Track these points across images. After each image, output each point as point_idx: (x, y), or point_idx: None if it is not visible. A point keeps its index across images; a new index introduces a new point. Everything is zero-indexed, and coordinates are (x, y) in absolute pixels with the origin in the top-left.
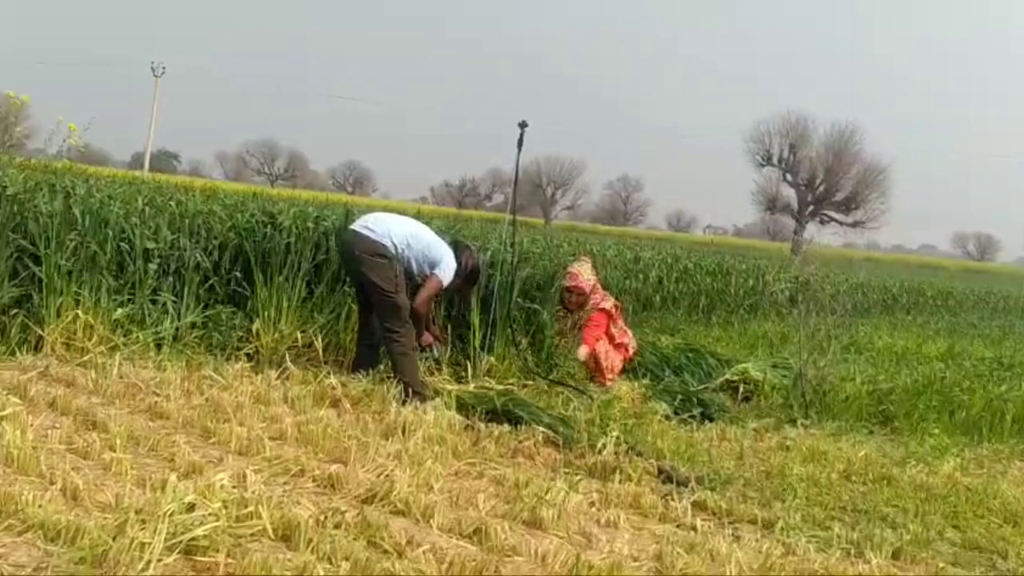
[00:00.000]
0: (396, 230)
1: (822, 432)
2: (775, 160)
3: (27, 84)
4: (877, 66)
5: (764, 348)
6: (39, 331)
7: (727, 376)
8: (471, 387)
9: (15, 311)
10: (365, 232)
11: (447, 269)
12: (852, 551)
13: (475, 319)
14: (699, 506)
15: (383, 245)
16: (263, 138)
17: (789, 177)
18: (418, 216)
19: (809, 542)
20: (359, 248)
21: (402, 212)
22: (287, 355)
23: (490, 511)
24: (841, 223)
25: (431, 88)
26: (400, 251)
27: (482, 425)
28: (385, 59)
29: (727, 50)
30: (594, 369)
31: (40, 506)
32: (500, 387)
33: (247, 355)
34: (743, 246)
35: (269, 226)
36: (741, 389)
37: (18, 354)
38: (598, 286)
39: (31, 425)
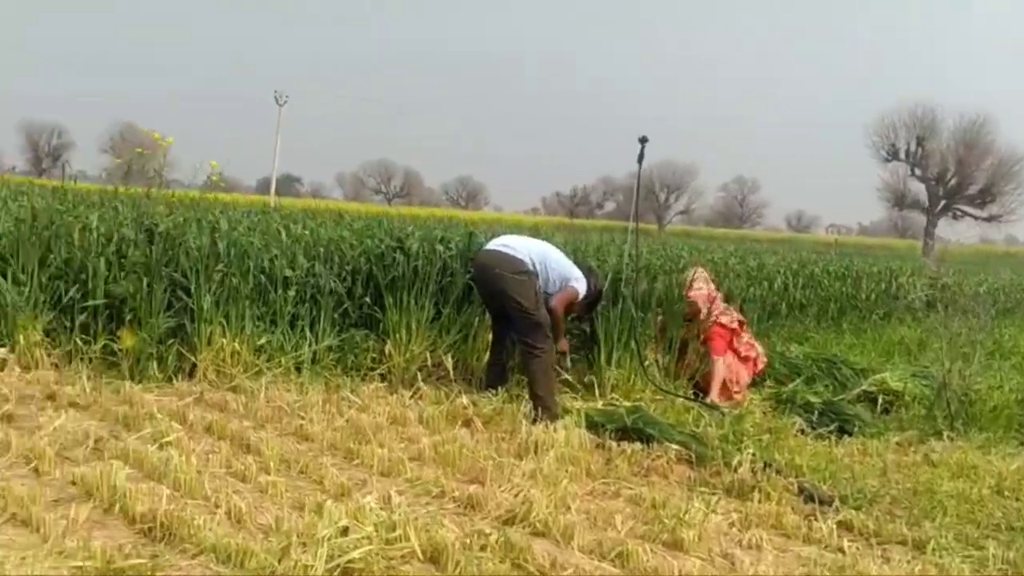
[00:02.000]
0: (533, 248)
1: (969, 445)
2: (901, 154)
3: (162, 119)
4: (1008, 51)
5: (901, 355)
6: (192, 359)
7: (864, 387)
8: (599, 404)
9: (171, 340)
10: (505, 250)
11: (582, 282)
12: (1009, 571)
13: (600, 334)
14: (844, 526)
15: (523, 262)
16: (379, 158)
17: (917, 171)
18: (536, 232)
19: (963, 563)
20: (500, 267)
21: (517, 225)
22: (418, 375)
23: (629, 532)
24: (976, 218)
25: (536, 102)
26: (538, 268)
27: (613, 443)
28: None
29: (844, 42)
30: (711, 386)
31: (210, 529)
32: (628, 404)
33: (380, 375)
34: (870, 245)
35: (398, 251)
36: (880, 400)
37: (174, 381)
38: (717, 298)
39: (193, 450)
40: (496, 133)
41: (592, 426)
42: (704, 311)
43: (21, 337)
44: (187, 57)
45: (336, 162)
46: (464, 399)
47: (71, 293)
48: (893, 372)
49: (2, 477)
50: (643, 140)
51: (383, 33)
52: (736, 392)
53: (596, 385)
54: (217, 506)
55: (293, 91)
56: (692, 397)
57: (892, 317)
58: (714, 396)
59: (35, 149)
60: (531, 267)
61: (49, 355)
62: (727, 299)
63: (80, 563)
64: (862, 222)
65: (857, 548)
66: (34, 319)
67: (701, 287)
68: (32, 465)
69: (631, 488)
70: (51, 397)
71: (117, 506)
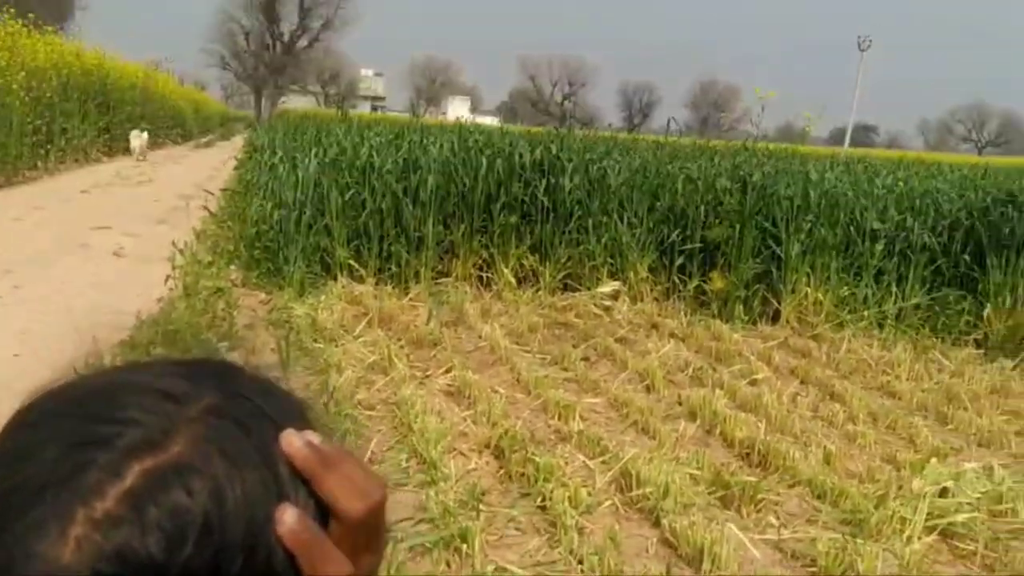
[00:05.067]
0: None
1: None
2: None
3: (740, 70)
4: None
5: None
6: (776, 304)
7: None
8: None
9: (757, 286)
10: None
11: None
12: None
13: None
14: None
15: None
16: (972, 102)
17: None
18: None
19: None
20: None
21: None
22: None
23: None
24: None
25: None
26: None
27: None
28: None
29: None
30: None
31: (804, 465)
32: None
33: (976, 341)
34: None
35: (1008, 205)
36: None
37: (758, 324)
38: None
39: (782, 390)
40: None
41: None
42: None
43: (631, 273)
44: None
45: (921, 108)
46: None
47: (672, 236)
48: None
49: (624, 390)
50: None
51: None
52: None
53: None
54: (807, 445)
55: (878, 34)
56: None
57: None
58: None
59: (629, 107)
60: None
61: (652, 290)
62: None
63: (693, 471)
64: None
65: None
66: (642, 258)
67: None
68: (644, 383)
69: None
70: (655, 327)
71: (718, 429)
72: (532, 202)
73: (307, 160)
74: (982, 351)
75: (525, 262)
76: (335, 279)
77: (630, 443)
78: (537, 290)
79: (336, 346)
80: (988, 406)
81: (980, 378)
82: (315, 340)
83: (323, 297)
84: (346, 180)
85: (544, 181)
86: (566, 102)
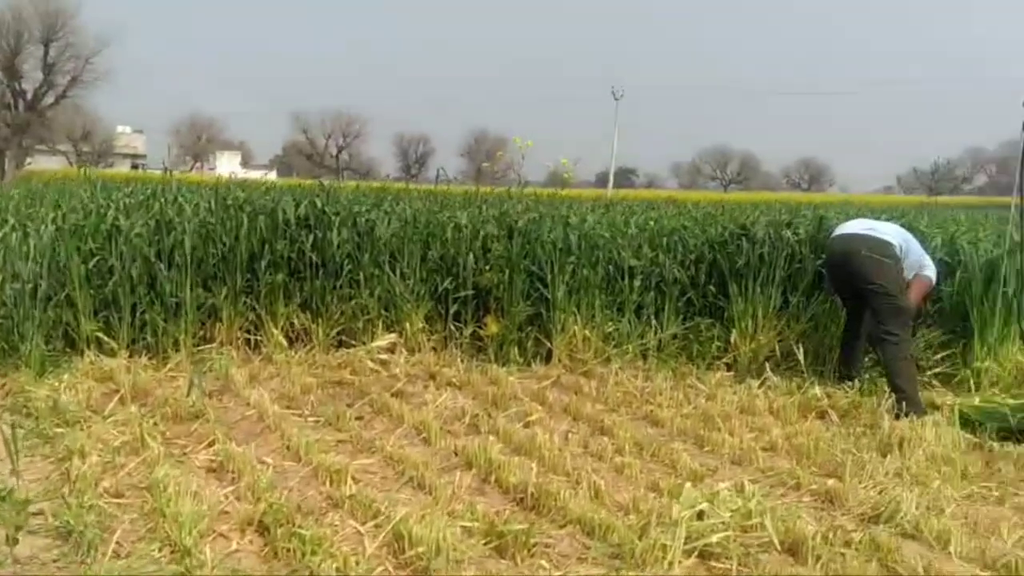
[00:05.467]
0: (897, 231)
1: None
2: None
3: (510, 122)
4: None
5: None
6: (548, 344)
7: None
8: (976, 400)
9: (529, 328)
10: (870, 233)
11: (933, 270)
12: None
13: (976, 324)
14: None
15: (892, 245)
16: (715, 144)
17: None
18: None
19: None
20: (867, 248)
21: (866, 206)
22: (766, 365)
23: (1017, 542)
24: None
25: (889, 67)
26: (903, 253)
27: (994, 444)
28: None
29: None
30: None
31: (574, 503)
32: (1014, 402)
33: (726, 365)
34: None
35: (742, 238)
36: None
37: (532, 365)
38: None
39: (554, 430)
40: (841, 109)
41: (967, 424)
42: None
43: (407, 324)
44: (532, 64)
45: (673, 152)
46: (817, 390)
47: (446, 284)
48: None
49: (400, 446)
50: None
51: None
52: None
53: (970, 380)
54: (578, 482)
55: (629, 85)
56: None
57: None
58: None
59: (405, 157)
60: (898, 251)
61: (429, 340)
62: None
63: (468, 523)
64: None
65: None
66: (417, 308)
67: None
68: (422, 436)
69: (1018, 494)
70: (433, 377)
71: (493, 477)
72: (300, 258)
73: (43, 227)
74: (732, 373)
75: (296, 321)
76: (81, 354)
77: (405, 501)
78: (310, 349)
79: (81, 429)
80: (739, 425)
81: (731, 399)
82: (57, 424)
83: (67, 375)
84: (90, 246)
85: (311, 236)
86: (341, 154)
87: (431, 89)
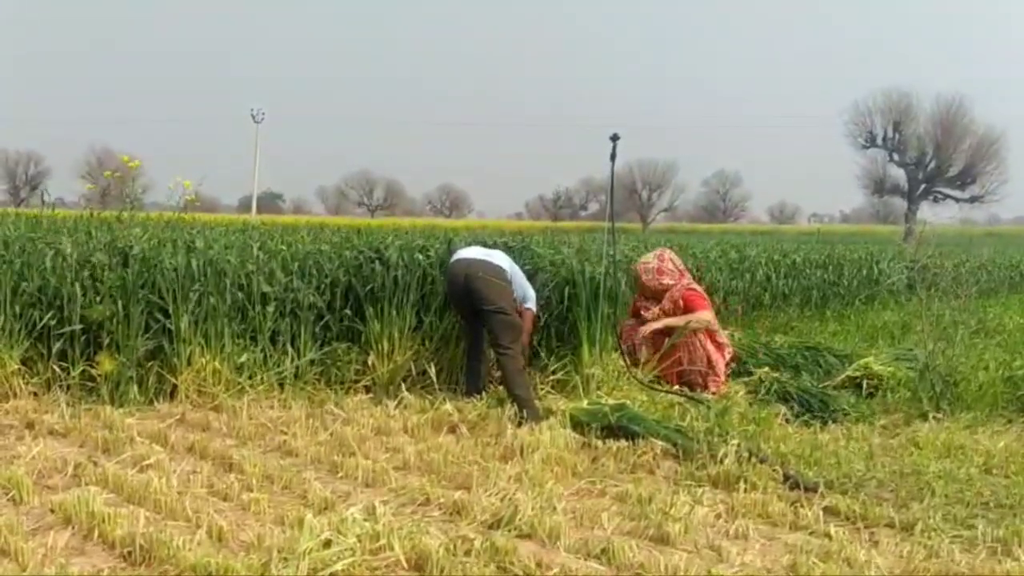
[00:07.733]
0: (505, 258)
1: (956, 425)
2: (879, 140)
3: (140, 142)
4: (976, 27)
5: (885, 339)
6: (173, 380)
7: (848, 372)
8: (584, 403)
9: (150, 363)
10: (485, 257)
11: (534, 301)
12: (999, 549)
13: (583, 334)
14: (831, 512)
15: (503, 270)
16: (359, 170)
17: (896, 157)
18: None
19: (952, 543)
20: (483, 271)
21: (500, 231)
22: (403, 384)
23: (616, 529)
24: (957, 200)
25: (517, 104)
26: (511, 277)
27: (599, 442)
28: (468, 78)
29: (816, 32)
30: (707, 366)
31: (190, 550)
32: (613, 402)
33: (365, 387)
34: (852, 233)
35: (376, 261)
36: (865, 385)
37: (156, 403)
38: (686, 274)
39: (175, 471)
40: (479, 142)
41: (577, 426)
42: (680, 283)
43: None
44: (164, 81)
45: (318, 176)
46: (449, 406)
47: (46, 320)
48: (877, 357)
49: None
50: (614, 138)
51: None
52: (715, 380)
53: (580, 384)
54: (198, 526)
55: (271, 109)
56: (679, 392)
57: (875, 302)
58: (715, 380)
59: (12, 179)
60: (508, 276)
61: (27, 384)
62: (708, 292)
63: None
64: (844, 210)
65: (844, 533)
66: (10, 348)
67: (672, 268)
68: (10, 495)
69: (618, 486)
70: (30, 426)
71: (96, 532)
72: None
73: None
74: (371, 395)
75: None
76: None
77: None
78: None
79: None
80: (374, 447)
81: (367, 422)
82: None
83: None
84: None
85: None
86: None
87: (42, 108)
